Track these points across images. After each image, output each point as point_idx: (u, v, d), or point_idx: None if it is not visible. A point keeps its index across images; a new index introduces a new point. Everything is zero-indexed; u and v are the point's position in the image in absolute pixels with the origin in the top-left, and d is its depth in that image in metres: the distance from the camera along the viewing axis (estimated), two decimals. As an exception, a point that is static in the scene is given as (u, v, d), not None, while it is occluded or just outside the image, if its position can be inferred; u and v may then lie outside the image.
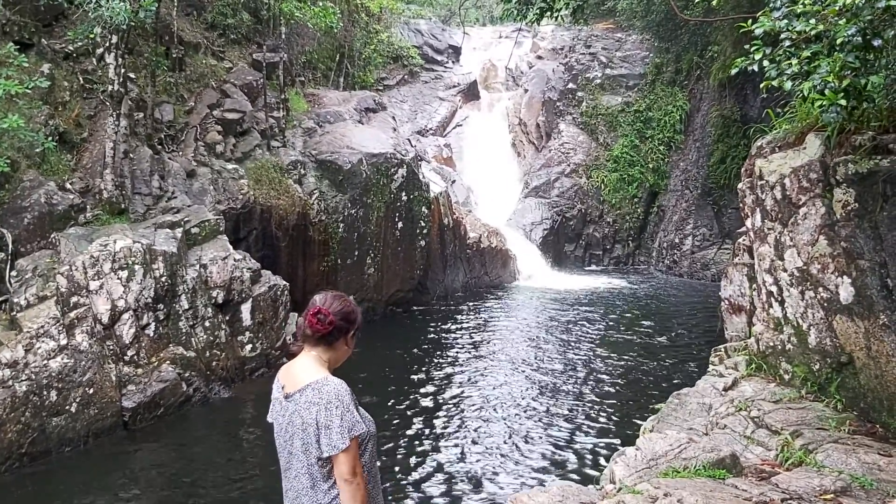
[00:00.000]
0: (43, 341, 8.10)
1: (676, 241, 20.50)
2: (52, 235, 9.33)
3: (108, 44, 10.28)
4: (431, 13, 30.67)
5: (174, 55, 12.81)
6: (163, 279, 9.25)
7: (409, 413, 9.26)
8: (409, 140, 19.11)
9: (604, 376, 10.78)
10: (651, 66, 23.00)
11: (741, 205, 6.41)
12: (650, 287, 18.74)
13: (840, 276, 5.03)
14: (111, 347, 8.68)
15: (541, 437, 8.44)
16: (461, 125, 24.49)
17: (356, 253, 14.06)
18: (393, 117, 17.73)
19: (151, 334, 9.08)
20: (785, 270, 5.55)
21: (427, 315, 15.00)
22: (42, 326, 8.20)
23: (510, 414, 9.24)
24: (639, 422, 7.38)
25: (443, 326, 13.96)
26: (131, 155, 10.56)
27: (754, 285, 6.23)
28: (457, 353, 12.17)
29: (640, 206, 21.91)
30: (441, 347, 12.49)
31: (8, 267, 8.84)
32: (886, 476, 4.10)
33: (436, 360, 11.67)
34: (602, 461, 7.45)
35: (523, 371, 11.07)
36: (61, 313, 8.41)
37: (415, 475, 7.50)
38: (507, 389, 10.20)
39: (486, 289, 17.64)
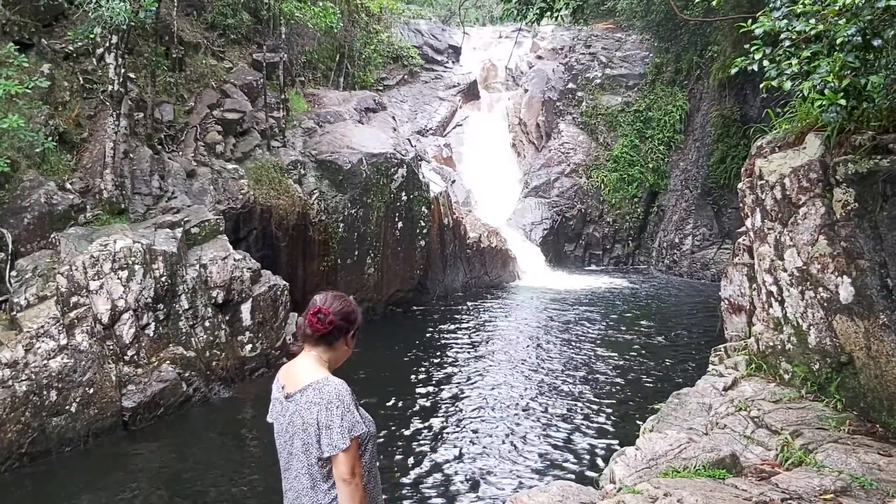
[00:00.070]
0: (43, 341, 8.11)
1: (676, 240, 20.51)
2: (52, 235, 9.33)
3: (108, 44, 10.28)
4: (431, 13, 30.67)
5: (174, 55, 12.81)
6: (163, 279, 9.25)
7: (408, 413, 9.26)
8: (409, 140, 19.11)
9: (604, 376, 10.78)
10: (651, 66, 23.00)
11: (741, 205, 6.41)
12: (650, 287, 18.74)
13: (840, 275, 5.03)
14: (111, 347, 8.68)
15: (540, 437, 8.45)
16: (461, 125, 24.49)
17: (356, 253, 14.06)
18: (393, 117, 17.73)
19: (151, 334, 9.08)
20: (785, 270, 5.56)
21: (427, 315, 15.00)
22: (42, 326, 8.20)
23: (509, 414, 9.24)
24: (639, 422, 7.38)
25: (443, 326, 13.96)
26: (131, 155, 10.56)
27: (754, 285, 6.23)
28: (457, 352, 12.17)
29: (639, 205, 21.91)
30: (441, 347, 12.49)
31: (8, 267, 8.84)
32: (886, 476, 4.10)
33: (436, 360, 11.67)
34: (602, 461, 7.45)
35: (523, 371, 11.07)
36: (61, 313, 8.41)
37: (414, 475, 7.50)
38: (506, 389, 10.20)
39: (485, 289, 17.64)
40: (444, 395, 9.94)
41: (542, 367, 11.24)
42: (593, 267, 21.74)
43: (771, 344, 5.78)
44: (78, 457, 7.93)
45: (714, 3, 7.88)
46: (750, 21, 5.39)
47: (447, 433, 8.64)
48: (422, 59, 25.79)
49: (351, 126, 15.31)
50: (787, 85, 4.99)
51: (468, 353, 12.18)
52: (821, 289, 5.20)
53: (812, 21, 4.93)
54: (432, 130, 23.76)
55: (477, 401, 9.72)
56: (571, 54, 24.79)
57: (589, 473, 7.22)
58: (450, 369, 11.19)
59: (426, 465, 7.74)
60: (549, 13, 12.39)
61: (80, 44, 10.97)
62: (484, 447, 8.19)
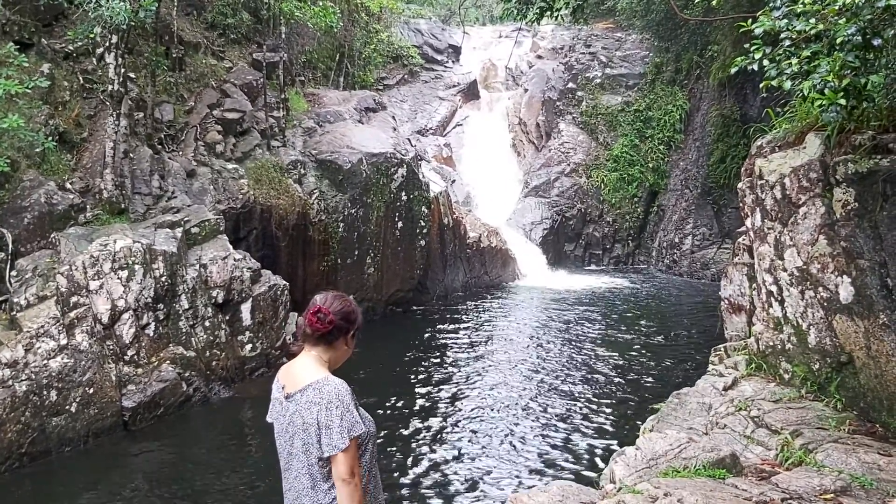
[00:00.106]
0: (43, 341, 8.11)
1: (676, 240, 20.51)
2: (52, 235, 9.33)
3: (108, 43, 10.28)
4: (431, 13, 30.67)
5: (174, 55, 12.81)
6: (163, 279, 9.25)
7: (408, 412, 9.26)
8: (408, 140, 19.10)
9: (603, 376, 10.78)
10: (651, 66, 23.00)
11: (741, 204, 6.41)
12: (650, 287, 18.74)
13: (840, 275, 5.03)
14: (111, 347, 8.68)
15: (540, 437, 8.45)
16: (461, 125, 24.48)
17: (356, 253, 14.06)
18: (393, 117, 17.73)
19: (151, 334, 9.08)
20: (785, 270, 5.55)
21: (427, 315, 15.00)
22: (42, 326, 8.21)
23: (509, 413, 9.23)
24: (638, 421, 7.38)
25: (442, 326, 13.96)
26: (131, 155, 10.56)
27: (754, 285, 6.22)
28: (456, 352, 12.17)
29: (639, 205, 21.91)
30: (441, 347, 12.49)
31: (8, 267, 8.84)
32: (886, 476, 4.10)
33: (435, 360, 11.67)
34: (602, 461, 7.45)
35: (522, 371, 11.07)
36: (61, 313, 8.41)
37: (414, 475, 7.50)
38: (506, 389, 10.20)
39: (485, 288, 17.64)
40: (443, 395, 9.94)
41: (542, 367, 11.24)
42: (593, 267, 21.74)
43: (771, 344, 5.78)
44: (78, 457, 7.94)
45: (714, 2, 7.88)
46: (750, 20, 5.39)
47: (447, 433, 8.64)
48: (422, 58, 25.77)
49: (351, 126, 15.31)
50: (787, 84, 4.99)
51: (468, 352, 12.18)
52: (821, 288, 5.20)
53: (812, 20, 4.93)
54: (432, 130, 23.76)
55: (477, 400, 9.72)
56: (571, 54, 24.79)
57: (589, 473, 7.22)
58: (450, 369, 11.19)
59: (426, 464, 7.74)
60: (548, 13, 12.39)
61: (80, 43, 10.97)
62: (483, 447, 8.19)
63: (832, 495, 3.89)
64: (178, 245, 9.75)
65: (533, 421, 8.97)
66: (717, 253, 19.31)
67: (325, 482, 2.77)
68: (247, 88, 14.06)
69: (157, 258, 9.27)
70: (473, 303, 16.13)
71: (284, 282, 11.20)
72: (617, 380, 10.59)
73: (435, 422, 8.98)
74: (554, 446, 8.18)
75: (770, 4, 5.39)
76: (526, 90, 24.61)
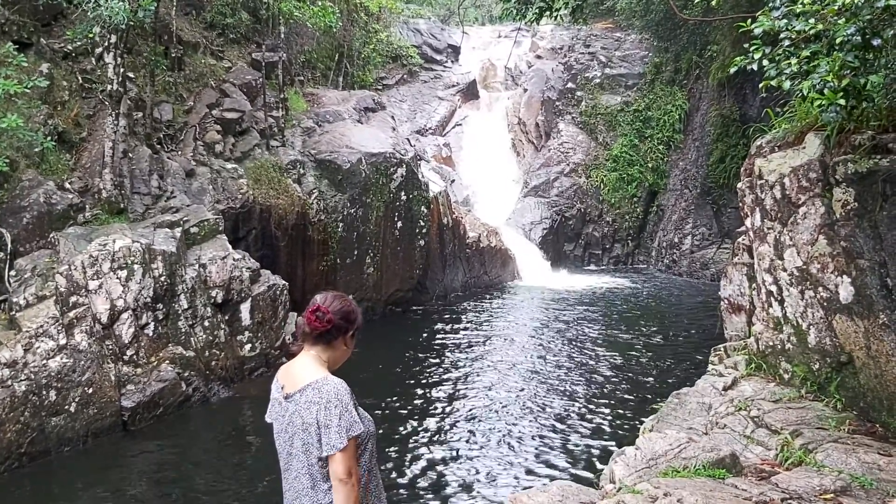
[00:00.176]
0: (42, 341, 8.10)
1: (676, 240, 20.51)
2: (51, 235, 9.32)
3: (107, 43, 10.27)
4: (430, 13, 30.67)
5: (173, 55, 12.81)
6: (162, 279, 9.24)
7: (407, 412, 9.26)
8: (408, 139, 19.10)
9: (603, 376, 10.78)
10: (650, 66, 23.01)
11: (740, 204, 6.41)
12: (649, 286, 18.75)
13: (840, 275, 5.03)
14: (110, 347, 8.67)
15: (540, 437, 8.44)
16: (460, 125, 24.48)
17: (355, 252, 14.05)
18: (392, 117, 17.73)
19: (150, 334, 9.07)
20: (784, 270, 5.55)
21: (426, 315, 15.00)
22: (41, 326, 8.20)
23: (508, 413, 9.23)
24: (638, 422, 7.38)
25: (442, 326, 13.96)
26: (130, 154, 10.55)
27: (754, 285, 6.22)
28: (456, 352, 12.17)
29: (639, 205, 21.92)
30: (440, 347, 12.49)
31: (7, 266, 8.83)
32: (886, 476, 4.09)
33: (435, 360, 11.67)
34: (602, 461, 7.44)
35: (522, 371, 11.06)
36: (60, 313, 8.40)
37: (413, 474, 7.50)
38: (505, 389, 10.20)
39: (485, 288, 17.64)
40: (443, 395, 9.94)
41: (542, 367, 11.24)
42: (593, 266, 21.74)
43: (771, 343, 5.78)
44: (77, 457, 7.93)
45: (713, 2, 7.87)
46: (749, 20, 5.39)
47: (446, 433, 8.64)
48: (421, 58, 25.77)
49: (350, 125, 15.30)
50: (787, 84, 4.99)
51: (467, 352, 12.18)
52: (820, 288, 5.20)
53: (811, 20, 4.93)
54: (431, 130, 23.75)
55: (476, 400, 9.72)
56: (571, 54, 24.80)
57: (589, 473, 7.22)
58: (449, 369, 11.19)
59: (425, 464, 7.74)
60: (548, 13, 12.39)
61: (79, 43, 10.96)
62: (482, 447, 8.19)
63: (832, 495, 3.89)
64: (178, 245, 9.74)
65: (532, 421, 8.97)
66: (717, 253, 19.32)
67: (325, 482, 2.76)
68: (246, 88, 14.05)
69: (156, 258, 9.26)
70: (473, 303, 16.13)
71: (284, 282, 11.19)
72: (616, 380, 10.59)
73: (434, 422, 8.98)
74: (553, 446, 8.18)
75: (769, 4, 5.39)
76: (525, 90, 24.61)
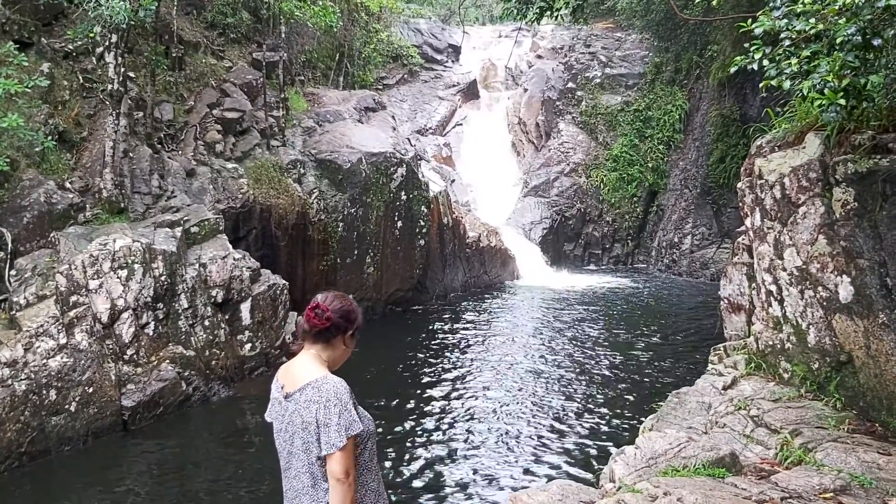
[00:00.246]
0: (42, 340, 8.10)
1: (675, 240, 20.51)
2: (52, 234, 9.32)
3: (107, 43, 10.28)
4: (431, 12, 30.68)
5: (174, 54, 12.81)
6: (162, 278, 9.25)
7: (407, 412, 9.27)
8: (408, 139, 19.11)
9: (602, 375, 10.79)
10: (650, 66, 23.01)
11: (740, 204, 6.41)
12: (649, 286, 18.75)
13: (839, 275, 5.03)
14: (110, 346, 8.68)
15: (540, 436, 8.45)
16: (461, 124, 24.49)
17: (356, 252, 14.06)
18: (392, 116, 17.73)
19: (151, 333, 9.08)
20: (784, 269, 5.56)
21: (426, 314, 15.01)
22: (41, 325, 8.20)
23: (508, 413, 9.24)
24: (638, 421, 7.38)
25: (442, 326, 13.96)
26: (131, 154, 10.56)
27: (753, 284, 6.23)
28: (455, 352, 12.17)
29: (639, 205, 21.92)
30: (440, 346, 12.49)
31: (7, 266, 8.84)
32: (886, 475, 4.10)
33: (435, 360, 11.67)
34: (601, 460, 7.45)
35: (521, 370, 11.07)
36: (61, 312, 8.40)
37: (413, 474, 7.50)
38: (504, 389, 10.21)
39: (485, 288, 17.65)
40: (442, 395, 9.94)
41: (541, 367, 11.24)
42: (593, 266, 21.75)
43: (770, 343, 5.78)
44: (77, 456, 7.93)
45: (714, 2, 7.88)
46: (750, 20, 5.39)
47: (446, 432, 8.64)
48: (421, 58, 25.78)
49: (350, 125, 15.31)
50: (787, 84, 4.99)
51: (467, 352, 12.18)
52: (820, 288, 5.20)
53: (812, 20, 4.93)
54: (432, 130, 23.76)
55: (475, 400, 9.73)
56: (571, 54, 24.80)
57: (588, 472, 7.22)
58: (449, 368, 11.19)
59: (425, 463, 7.74)
60: (548, 12, 12.40)
61: (79, 43, 10.97)
62: (483, 446, 8.20)
63: (831, 494, 3.89)
64: (178, 244, 9.75)
65: (532, 420, 8.97)
66: (717, 252, 19.33)
67: (326, 481, 2.77)
68: (246, 88, 14.06)
69: (156, 257, 9.27)
70: (473, 302, 16.14)
71: (284, 281, 11.20)
72: (616, 379, 10.60)
73: (433, 421, 8.98)
74: (553, 446, 8.19)
75: (770, 4, 5.39)
76: (526, 90, 24.62)
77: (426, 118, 24.05)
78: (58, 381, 7.97)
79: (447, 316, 14.81)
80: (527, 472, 7.54)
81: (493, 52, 28.85)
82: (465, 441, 8.36)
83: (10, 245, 8.92)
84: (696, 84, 21.77)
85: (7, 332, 8.21)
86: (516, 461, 7.80)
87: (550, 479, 7.09)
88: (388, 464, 7.60)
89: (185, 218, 10.46)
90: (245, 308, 10.44)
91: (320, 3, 15.02)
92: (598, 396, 9.83)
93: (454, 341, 12.81)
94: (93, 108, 10.94)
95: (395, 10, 23.41)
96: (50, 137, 9.75)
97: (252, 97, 14.00)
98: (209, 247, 10.43)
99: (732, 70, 5.64)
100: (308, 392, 2.79)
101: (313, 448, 2.75)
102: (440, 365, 11.38)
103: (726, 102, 19.44)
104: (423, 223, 15.20)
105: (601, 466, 6.51)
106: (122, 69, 10.31)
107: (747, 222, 6.27)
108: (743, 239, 6.78)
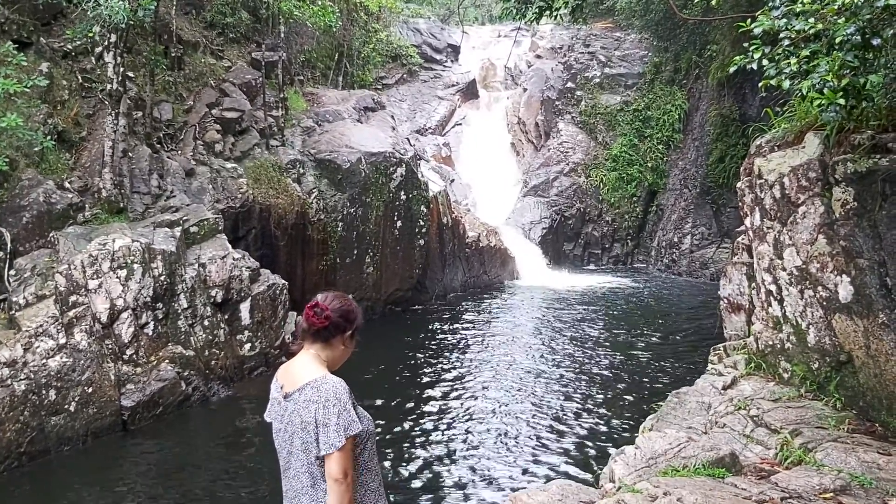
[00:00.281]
0: (42, 340, 8.10)
1: (675, 239, 20.51)
2: (51, 234, 9.32)
3: (106, 42, 10.27)
4: (430, 12, 30.68)
5: (173, 54, 12.80)
6: (161, 278, 9.24)
7: (406, 411, 9.26)
8: (407, 139, 19.11)
9: (603, 375, 10.78)
10: (650, 66, 23.01)
11: (740, 204, 6.42)
12: (649, 286, 18.75)
13: (839, 274, 5.03)
14: (110, 346, 8.67)
15: (540, 436, 8.44)
16: (460, 124, 24.49)
17: (355, 252, 14.05)
18: (392, 116, 17.72)
19: (150, 333, 9.07)
20: (784, 269, 5.56)
21: (426, 314, 15.01)
22: (41, 325, 8.20)
23: (507, 413, 9.23)
24: (637, 421, 7.38)
25: (441, 325, 13.96)
26: (130, 154, 10.55)
27: (753, 284, 6.23)
28: (455, 352, 12.17)
29: (638, 205, 21.92)
30: (440, 346, 12.49)
31: (7, 266, 8.83)
32: (886, 475, 4.10)
33: (434, 360, 11.67)
34: (600, 460, 7.44)
35: (521, 370, 11.07)
36: (60, 312, 8.40)
37: (413, 474, 7.50)
38: (504, 389, 10.20)
39: (484, 288, 17.65)
40: (441, 394, 9.94)
41: (541, 367, 11.24)
42: (592, 266, 21.75)
43: (770, 343, 5.78)
44: (77, 456, 7.93)
45: (713, 2, 7.88)
46: (749, 20, 5.39)
47: (445, 432, 8.64)
48: (421, 58, 25.78)
49: (350, 125, 15.30)
50: (786, 84, 4.99)
51: (466, 352, 12.18)
52: (820, 288, 5.20)
53: (811, 20, 4.94)
54: (431, 129, 23.76)
55: (474, 400, 9.72)
56: (570, 53, 24.81)
57: (588, 472, 7.22)
58: (448, 368, 11.19)
59: (424, 463, 7.74)
60: (547, 12, 12.40)
61: (78, 42, 10.96)
62: (482, 446, 8.19)
63: (831, 494, 3.89)
64: (177, 244, 9.74)
65: (531, 420, 8.97)
66: (716, 252, 19.33)
67: (325, 481, 2.76)
68: (245, 88, 14.05)
69: (155, 257, 9.26)
70: (472, 302, 16.13)
71: (283, 281, 11.19)
72: (616, 379, 10.59)
73: (434, 421, 8.98)
74: (552, 446, 8.18)
75: (769, 4, 5.39)
76: (525, 90, 24.62)
77: (425, 118, 24.05)
78: (57, 381, 7.97)
79: (447, 316, 14.81)
80: (526, 472, 7.54)
81: (493, 52, 28.85)
82: (465, 441, 8.36)
83: (9, 245, 8.91)
84: (696, 84, 21.78)
85: (6, 332, 8.20)
86: (515, 461, 7.80)
87: (550, 479, 7.09)
88: (387, 464, 7.60)
89: (185, 218, 10.46)
90: (244, 308, 10.44)
91: (319, 3, 15.01)
92: (598, 396, 9.83)
93: (454, 341, 12.81)
94: (92, 107, 10.93)
95: (395, 9, 23.41)
96: (49, 137, 9.75)
97: (251, 97, 13.99)
98: (208, 247, 10.42)
99: (732, 70, 5.64)
100: (307, 392, 2.79)
101: (312, 448, 2.75)
102: (440, 365, 11.38)
103: (726, 102, 19.44)
104: (422, 223, 15.20)
105: (601, 466, 6.51)
106: (121, 69, 10.31)
107: (747, 222, 6.27)
108: (742, 239, 6.78)
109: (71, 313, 8.46)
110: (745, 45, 5.47)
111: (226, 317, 10.24)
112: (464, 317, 14.75)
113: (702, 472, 4.21)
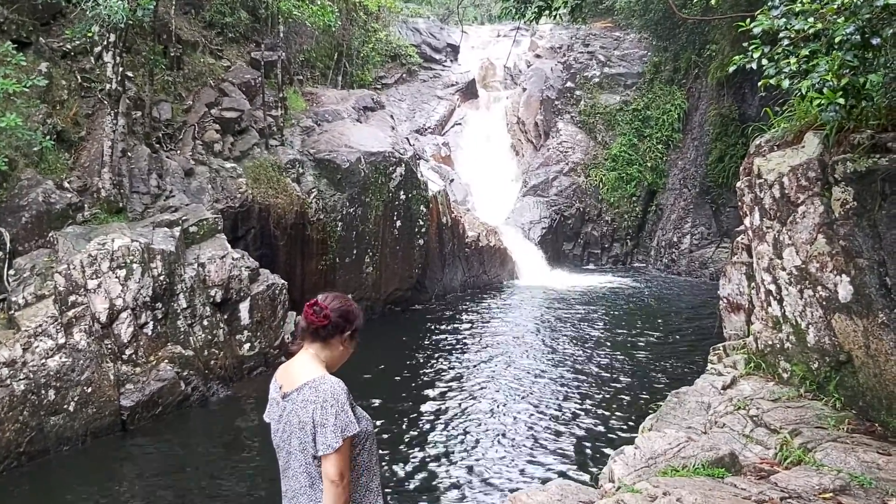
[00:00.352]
0: (41, 340, 8.09)
1: (675, 239, 20.51)
2: (50, 234, 9.31)
3: (106, 42, 10.27)
4: (430, 12, 30.68)
5: (172, 54, 12.79)
6: (161, 278, 9.24)
7: (405, 411, 9.26)
8: (407, 139, 19.11)
9: (602, 375, 10.78)
10: (649, 65, 23.00)
11: (739, 203, 6.41)
12: (649, 286, 18.75)
13: (839, 274, 5.03)
14: (109, 346, 8.67)
15: (539, 436, 8.44)
16: (459, 124, 24.49)
17: (354, 252, 14.05)
18: (391, 116, 17.71)
19: (150, 333, 9.07)
20: (783, 269, 5.55)
21: (425, 314, 15.00)
22: (40, 325, 8.19)
23: (506, 413, 9.23)
24: (636, 421, 7.38)
25: (441, 325, 13.96)
26: (129, 154, 10.55)
27: (753, 284, 6.23)
28: (454, 352, 12.17)
29: (638, 204, 21.91)
30: (439, 346, 12.49)
31: (6, 266, 8.82)
32: (885, 475, 4.10)
33: (433, 359, 11.67)
34: (600, 460, 7.44)
35: (520, 370, 11.06)
36: (59, 312, 8.39)
37: (412, 474, 7.50)
38: (503, 389, 10.20)
39: (484, 288, 17.64)
40: (441, 394, 9.94)
41: (540, 367, 11.24)
42: (592, 266, 21.74)
43: (770, 343, 5.78)
44: (76, 456, 7.92)
45: (713, 1, 7.88)
46: (748, 20, 5.39)
47: (444, 432, 8.64)
48: (420, 57, 25.77)
49: (349, 125, 15.30)
50: (786, 83, 4.99)
51: (466, 352, 12.18)
52: (819, 287, 5.20)
53: (811, 19, 4.93)
54: (431, 129, 23.75)
55: (474, 400, 9.72)
56: (570, 53, 24.80)
57: (588, 472, 7.22)
58: (447, 368, 11.19)
59: (423, 464, 7.74)
60: (547, 12, 12.40)
61: (77, 42, 10.95)
62: (482, 446, 8.19)
63: (831, 494, 3.89)
64: (177, 244, 9.74)
65: (532, 420, 8.97)
66: (716, 252, 19.32)
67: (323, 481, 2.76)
68: (245, 87, 14.04)
69: (155, 257, 9.26)
70: (472, 302, 16.13)
71: (283, 281, 11.19)
72: (616, 379, 10.59)
73: (431, 421, 8.98)
74: (552, 446, 8.18)
75: (769, 3, 5.39)
76: (524, 89, 24.61)
77: (425, 118, 24.04)
78: (56, 380, 7.96)
79: (446, 315, 14.80)
80: (525, 472, 7.54)
81: (492, 52, 28.84)
82: (463, 441, 8.35)
83: (8, 245, 8.90)
84: (695, 83, 21.77)
85: (6, 332, 8.20)
86: (514, 461, 7.80)
87: (549, 479, 7.09)
88: (386, 464, 7.59)
89: (184, 217, 10.45)
90: (244, 308, 10.43)
91: (318, 3, 15.00)
92: (597, 396, 9.83)
93: (453, 341, 12.81)
94: (91, 107, 10.92)
95: (394, 9, 23.38)
96: (48, 137, 9.74)
97: (250, 97, 13.99)
98: (208, 246, 10.42)
99: (731, 69, 5.64)
100: (305, 392, 2.78)
101: (310, 448, 2.74)
102: (439, 365, 11.38)
103: (725, 102, 19.44)
104: (421, 223, 15.19)
105: (600, 466, 6.51)
106: (121, 69, 10.30)
107: (746, 222, 6.27)
108: (742, 238, 6.78)
109: (70, 313, 8.45)
110: (745, 44, 5.47)
111: (225, 317, 10.24)
112: (463, 317, 14.75)
113: (701, 472, 4.21)
